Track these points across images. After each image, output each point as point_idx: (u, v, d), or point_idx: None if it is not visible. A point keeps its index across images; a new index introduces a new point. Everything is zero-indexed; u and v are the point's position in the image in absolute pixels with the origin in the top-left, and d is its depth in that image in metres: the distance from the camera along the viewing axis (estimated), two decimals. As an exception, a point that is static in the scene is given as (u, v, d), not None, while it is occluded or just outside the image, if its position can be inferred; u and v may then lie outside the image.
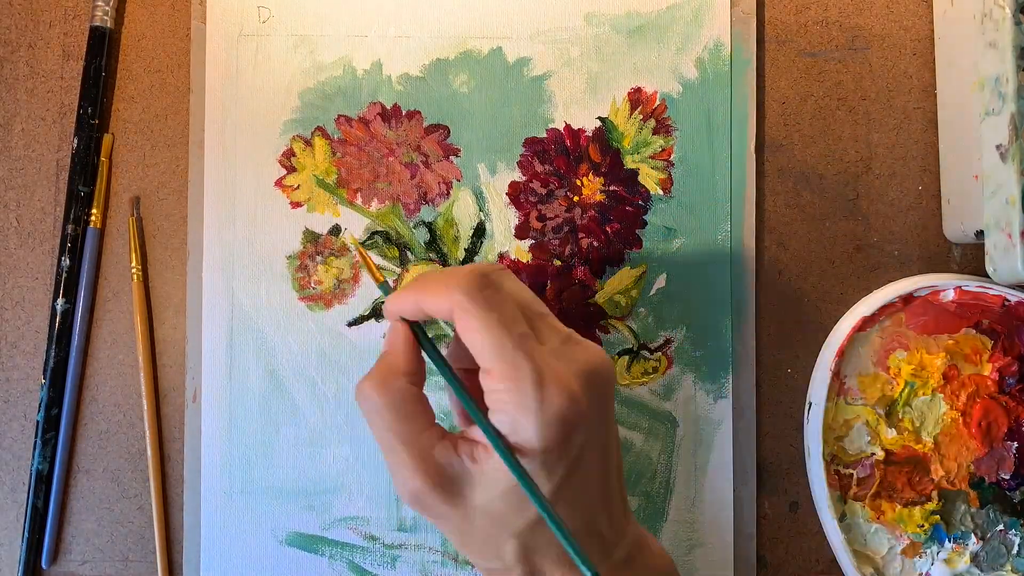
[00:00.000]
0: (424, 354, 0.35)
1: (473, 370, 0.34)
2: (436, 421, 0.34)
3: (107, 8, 0.47)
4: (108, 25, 0.47)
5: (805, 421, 0.46)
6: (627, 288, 0.47)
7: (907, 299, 0.46)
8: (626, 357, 0.47)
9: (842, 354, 0.45)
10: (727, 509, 0.47)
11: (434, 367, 0.35)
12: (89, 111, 0.47)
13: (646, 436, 0.47)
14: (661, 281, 0.47)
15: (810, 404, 0.46)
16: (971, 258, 0.48)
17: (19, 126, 0.48)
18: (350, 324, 0.47)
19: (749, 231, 0.47)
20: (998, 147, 0.40)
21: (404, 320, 0.35)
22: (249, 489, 0.46)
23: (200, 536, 0.46)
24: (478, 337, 0.32)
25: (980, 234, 0.44)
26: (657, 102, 0.48)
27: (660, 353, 0.47)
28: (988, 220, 0.41)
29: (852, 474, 0.46)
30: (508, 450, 0.31)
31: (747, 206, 0.47)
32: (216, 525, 0.46)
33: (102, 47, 0.47)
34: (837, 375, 0.46)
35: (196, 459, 0.46)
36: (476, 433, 0.33)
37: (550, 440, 0.31)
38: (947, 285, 0.46)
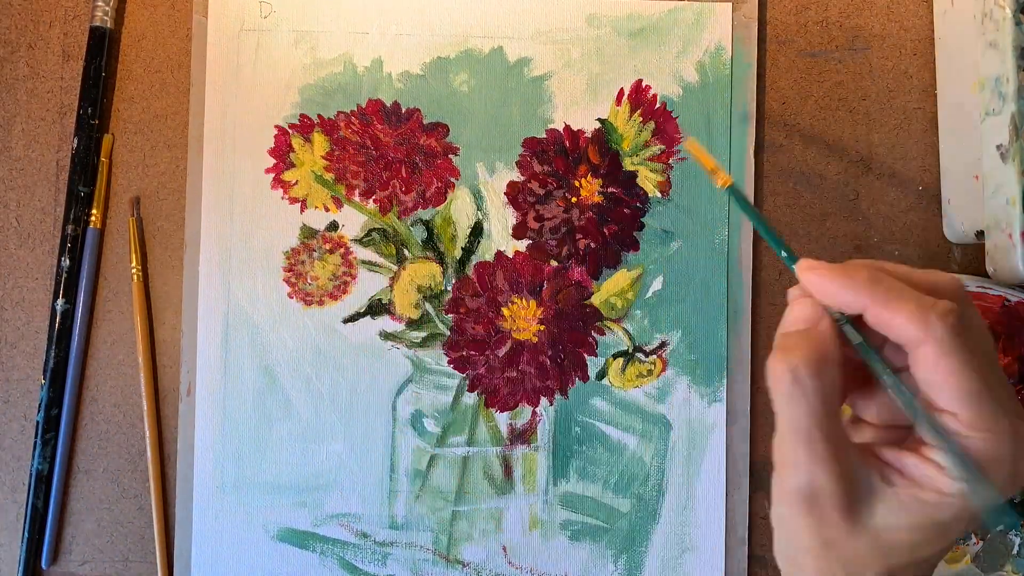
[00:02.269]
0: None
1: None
2: None
3: (107, 8, 0.47)
4: (108, 25, 0.47)
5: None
6: (623, 290, 0.47)
7: None
8: (621, 359, 0.47)
9: None
10: (719, 513, 0.47)
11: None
12: (89, 111, 0.47)
13: (640, 438, 0.47)
14: (658, 284, 0.47)
15: None
16: (971, 258, 0.48)
17: (19, 126, 0.48)
18: (345, 321, 0.47)
19: (747, 235, 0.47)
20: (998, 147, 0.40)
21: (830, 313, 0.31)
22: (241, 484, 0.47)
23: (191, 529, 0.46)
24: (953, 380, 0.28)
25: (980, 234, 0.44)
26: (657, 104, 0.48)
27: (655, 356, 0.47)
28: (988, 220, 0.41)
29: None
30: (973, 471, 0.29)
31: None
32: (208, 519, 0.46)
33: (102, 47, 0.47)
34: None
35: (189, 453, 0.47)
36: (888, 455, 0.30)
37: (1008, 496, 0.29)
38: None
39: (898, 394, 0.30)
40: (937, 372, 0.29)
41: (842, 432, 0.30)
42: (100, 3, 0.47)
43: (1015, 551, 0.47)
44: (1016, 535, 0.47)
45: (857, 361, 0.31)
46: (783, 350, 0.30)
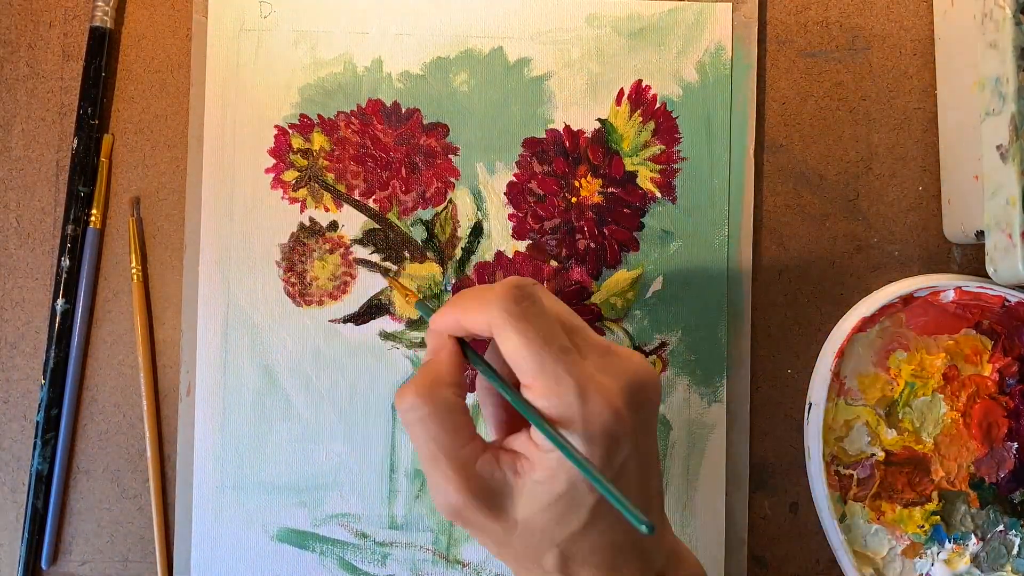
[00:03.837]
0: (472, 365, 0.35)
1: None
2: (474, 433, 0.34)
3: (107, 8, 0.47)
4: (108, 25, 0.47)
5: (805, 422, 0.46)
6: (623, 290, 0.47)
7: (907, 300, 0.46)
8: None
9: (842, 355, 0.45)
10: (719, 513, 0.47)
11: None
12: (89, 111, 0.47)
13: (642, 438, 0.47)
14: (658, 284, 0.47)
15: (810, 405, 0.46)
16: (971, 258, 0.48)
17: (19, 126, 0.48)
18: (345, 321, 0.47)
19: (747, 236, 0.47)
20: (998, 147, 0.40)
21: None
22: (241, 484, 0.47)
23: (191, 529, 0.46)
24: (517, 352, 0.31)
25: (980, 234, 0.44)
26: (657, 105, 0.48)
27: (655, 356, 0.47)
28: (988, 220, 0.41)
29: (852, 475, 0.46)
30: (561, 437, 0.31)
31: (745, 210, 0.47)
32: (207, 519, 0.46)
33: (102, 47, 0.47)
34: (837, 376, 0.46)
35: (189, 453, 0.46)
36: (517, 444, 0.33)
37: (594, 454, 0.31)
38: (947, 286, 0.46)
39: (489, 378, 0.34)
40: (505, 349, 0.32)
41: (468, 445, 0.32)
42: (100, 3, 0.47)
43: (1016, 551, 0.47)
44: (1016, 535, 0.47)
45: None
46: (406, 383, 0.33)
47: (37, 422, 0.46)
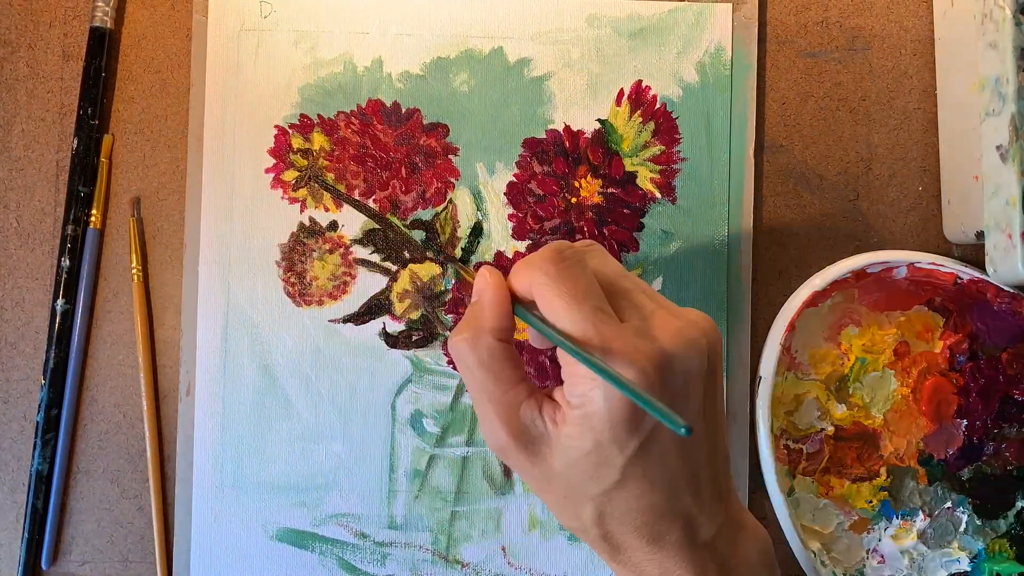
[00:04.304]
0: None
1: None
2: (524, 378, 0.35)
3: (107, 8, 0.47)
4: (108, 25, 0.47)
5: (754, 395, 0.46)
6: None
7: (859, 275, 0.46)
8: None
9: (793, 328, 0.45)
10: None
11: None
12: (89, 111, 0.47)
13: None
14: (657, 284, 0.47)
15: (760, 378, 0.46)
16: (971, 259, 0.48)
17: (19, 127, 0.48)
18: (345, 321, 0.47)
19: (746, 236, 0.47)
20: (998, 148, 0.40)
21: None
22: (241, 484, 0.47)
23: (191, 530, 0.46)
24: (552, 310, 0.32)
25: (980, 235, 0.44)
26: (657, 105, 0.48)
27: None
28: (988, 221, 0.41)
29: (801, 449, 0.46)
30: (591, 356, 0.31)
31: (745, 210, 0.47)
32: (207, 519, 0.46)
33: (102, 47, 0.47)
34: (788, 350, 0.46)
35: (188, 453, 0.46)
36: (558, 395, 0.33)
37: (615, 415, 0.31)
38: (900, 262, 0.46)
39: (533, 325, 0.34)
40: (543, 306, 0.33)
41: (513, 390, 0.34)
42: (100, 3, 0.47)
43: (962, 528, 0.47)
44: (964, 512, 0.47)
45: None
46: (454, 329, 0.35)
47: (37, 422, 0.46)
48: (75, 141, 0.47)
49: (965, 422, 0.47)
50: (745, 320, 0.47)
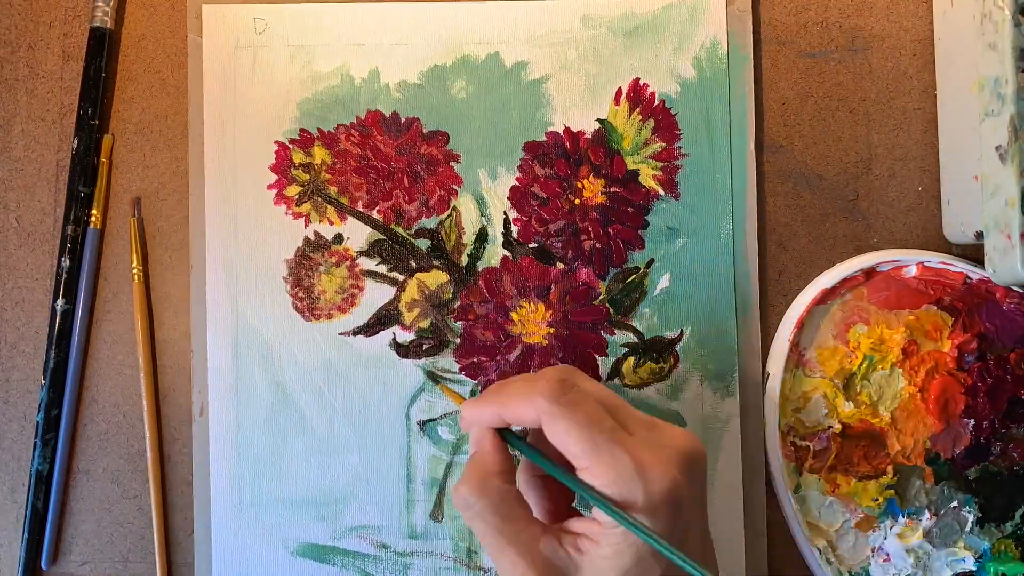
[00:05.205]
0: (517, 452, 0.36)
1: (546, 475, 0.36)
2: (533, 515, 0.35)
3: (107, 9, 0.47)
4: (108, 26, 0.47)
5: (762, 392, 0.46)
6: (631, 289, 0.47)
7: (869, 273, 0.46)
8: (632, 358, 0.47)
9: (801, 325, 0.45)
10: (737, 506, 0.47)
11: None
12: (89, 112, 0.47)
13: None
14: (665, 281, 0.47)
15: (768, 375, 0.46)
16: (971, 259, 0.48)
17: (19, 127, 0.48)
18: (355, 333, 0.47)
19: (751, 228, 0.47)
20: (997, 148, 0.40)
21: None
22: (259, 501, 0.46)
23: (211, 549, 0.46)
24: (570, 439, 0.33)
25: (980, 235, 0.44)
26: (656, 102, 0.48)
27: (666, 353, 0.47)
28: (988, 221, 0.41)
29: (808, 446, 0.46)
30: (621, 510, 0.32)
31: (748, 203, 0.47)
32: (227, 538, 0.46)
33: (102, 48, 0.47)
34: (796, 347, 0.46)
35: (205, 472, 0.46)
36: (575, 526, 0.34)
37: (658, 523, 0.32)
38: (909, 260, 0.46)
39: (541, 463, 0.35)
40: (556, 437, 0.33)
41: (528, 529, 0.34)
42: (100, 3, 0.47)
43: (968, 527, 0.47)
44: (969, 511, 0.47)
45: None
46: (459, 480, 0.35)
47: (37, 422, 0.46)
48: (75, 141, 0.47)
49: (972, 422, 0.47)
50: (754, 311, 0.47)
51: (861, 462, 0.46)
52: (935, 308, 0.47)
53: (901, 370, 0.47)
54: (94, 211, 0.47)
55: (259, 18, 0.47)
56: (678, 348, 0.47)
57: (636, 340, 0.47)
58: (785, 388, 0.46)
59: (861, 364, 0.47)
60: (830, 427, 0.46)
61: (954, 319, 0.47)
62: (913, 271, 0.46)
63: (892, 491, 0.46)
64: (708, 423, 0.47)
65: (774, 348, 0.46)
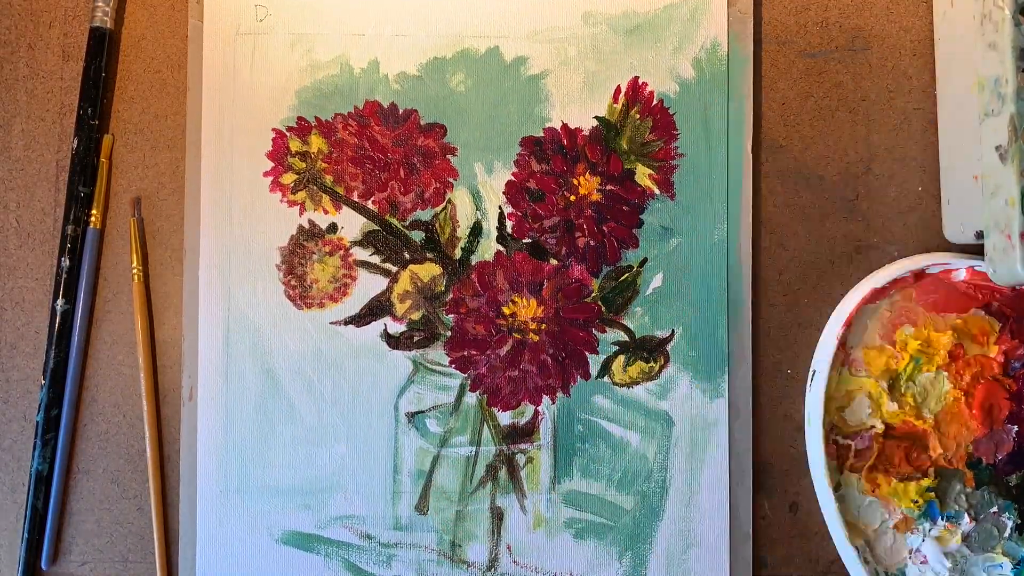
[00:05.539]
0: None
1: None
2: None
3: (107, 8, 0.47)
4: (108, 25, 0.47)
5: (808, 389, 0.46)
6: (624, 287, 0.47)
7: (919, 275, 0.46)
8: (622, 356, 0.47)
9: (849, 324, 0.45)
10: (723, 508, 0.47)
11: None
12: (89, 111, 0.47)
13: (642, 435, 0.47)
14: (658, 280, 0.47)
15: (814, 372, 0.46)
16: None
17: (19, 126, 0.48)
18: (346, 323, 0.47)
19: (746, 230, 0.47)
20: (997, 148, 0.40)
21: None
22: (245, 488, 0.47)
23: (196, 534, 0.46)
24: None
25: (980, 235, 0.44)
26: (654, 101, 0.48)
27: (657, 352, 0.47)
28: (988, 221, 0.41)
29: (850, 445, 0.46)
30: None
31: (744, 205, 0.47)
32: (212, 523, 0.46)
33: (102, 47, 0.47)
34: (843, 345, 0.46)
35: (192, 457, 0.46)
36: None
37: None
38: (960, 264, 0.46)
39: None
40: None
41: None
42: (100, 3, 0.47)
43: (1007, 533, 0.47)
44: (1009, 517, 0.47)
45: None
46: None
47: (37, 422, 0.46)
48: (75, 141, 0.47)
49: (1016, 428, 0.47)
50: (745, 313, 0.47)
51: (902, 463, 0.46)
52: (983, 313, 0.47)
53: (946, 373, 0.47)
54: (94, 211, 0.47)
55: (260, 5, 0.47)
56: (669, 348, 0.47)
57: (627, 339, 0.47)
58: (830, 386, 0.46)
59: (907, 365, 0.47)
60: (873, 427, 0.46)
61: (1002, 325, 0.47)
62: (963, 275, 0.46)
63: (932, 494, 0.46)
64: (696, 424, 0.47)
65: (820, 346, 0.46)
